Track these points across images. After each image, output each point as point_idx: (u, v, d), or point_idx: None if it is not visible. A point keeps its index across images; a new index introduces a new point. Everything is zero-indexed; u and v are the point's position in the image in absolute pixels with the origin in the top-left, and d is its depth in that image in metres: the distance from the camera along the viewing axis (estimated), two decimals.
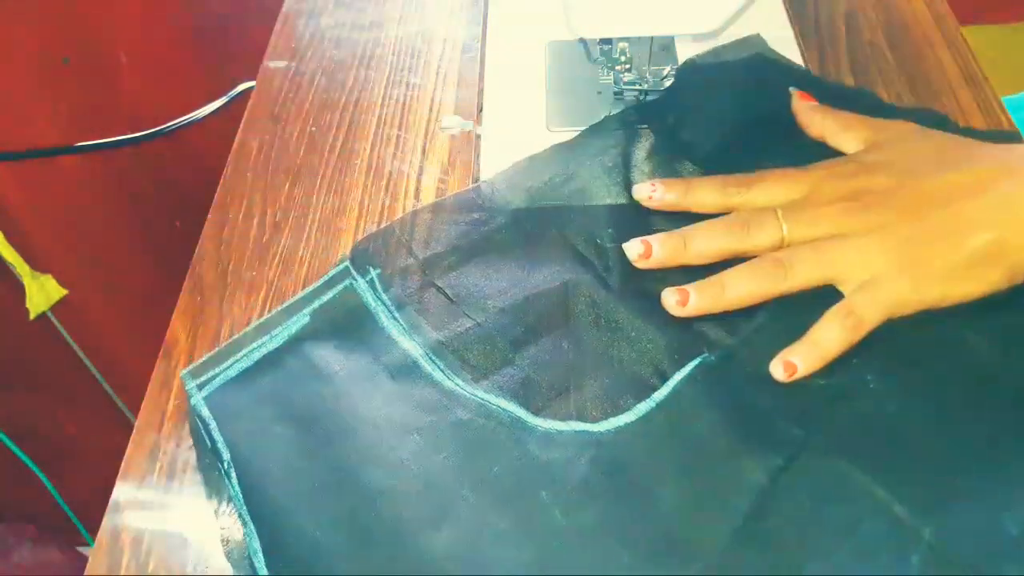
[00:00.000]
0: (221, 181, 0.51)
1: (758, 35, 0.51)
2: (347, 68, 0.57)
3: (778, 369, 0.36)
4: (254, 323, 0.41)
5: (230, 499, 0.36)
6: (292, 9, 0.62)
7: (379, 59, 0.57)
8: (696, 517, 0.33)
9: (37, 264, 0.74)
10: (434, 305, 0.41)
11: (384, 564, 0.33)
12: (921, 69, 0.52)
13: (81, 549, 0.94)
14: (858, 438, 0.34)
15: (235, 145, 0.53)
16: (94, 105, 0.76)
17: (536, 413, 0.37)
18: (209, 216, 0.49)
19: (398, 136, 0.52)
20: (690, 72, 0.50)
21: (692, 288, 0.39)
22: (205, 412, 0.38)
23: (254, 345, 0.40)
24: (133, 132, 0.71)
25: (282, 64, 0.57)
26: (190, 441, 0.39)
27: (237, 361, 0.40)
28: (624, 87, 0.51)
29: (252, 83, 0.57)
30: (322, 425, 0.37)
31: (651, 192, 0.42)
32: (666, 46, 0.53)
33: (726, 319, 0.38)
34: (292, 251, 0.47)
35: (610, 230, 0.43)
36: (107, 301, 0.84)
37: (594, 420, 0.36)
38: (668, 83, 0.50)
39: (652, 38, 0.49)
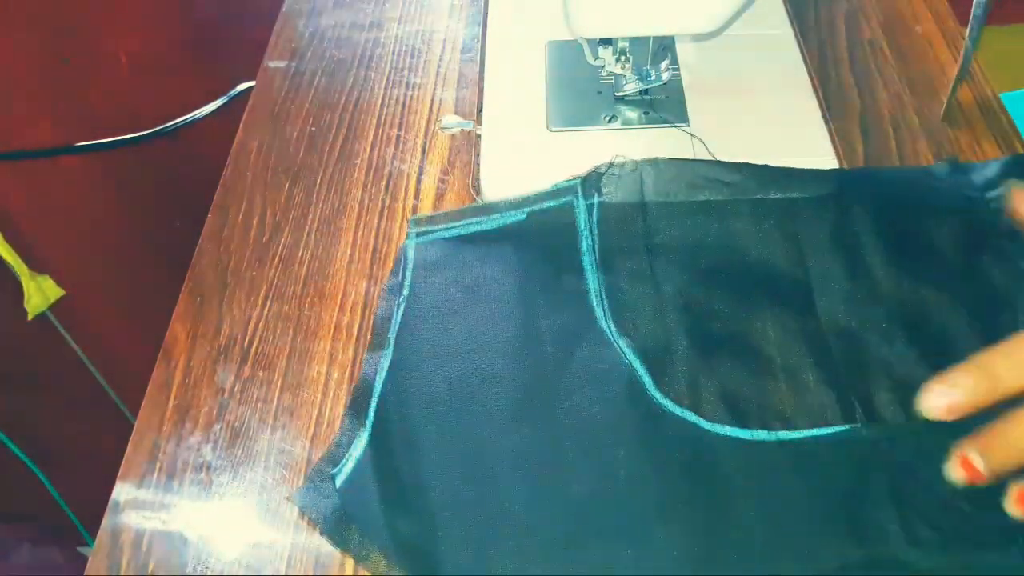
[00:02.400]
0: (221, 181, 0.51)
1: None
2: (347, 68, 0.57)
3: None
4: (480, 203, 0.46)
5: (389, 323, 0.42)
6: (292, 9, 0.62)
7: (379, 59, 0.57)
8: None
9: (37, 264, 0.74)
10: (633, 257, 0.42)
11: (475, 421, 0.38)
12: (921, 68, 0.53)
13: (81, 549, 0.94)
14: None
15: (235, 145, 0.53)
16: (94, 105, 0.76)
17: (657, 385, 0.38)
18: (209, 216, 0.49)
19: (398, 136, 0.52)
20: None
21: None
22: (410, 253, 0.44)
23: (473, 220, 0.45)
24: (133, 132, 0.71)
25: (282, 64, 0.57)
26: (189, 441, 0.39)
27: (454, 228, 0.44)
28: (625, 87, 0.51)
29: (252, 83, 0.57)
30: (490, 308, 0.41)
31: (948, 398, 0.34)
32: (666, 46, 0.53)
33: (910, 405, 0.36)
34: (292, 251, 0.47)
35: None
36: (107, 301, 0.84)
37: (709, 420, 0.37)
38: (667, 76, 0.50)
39: (652, 38, 0.49)
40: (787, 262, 0.42)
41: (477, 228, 0.44)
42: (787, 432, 0.37)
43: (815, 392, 0.38)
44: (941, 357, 0.37)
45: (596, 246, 0.43)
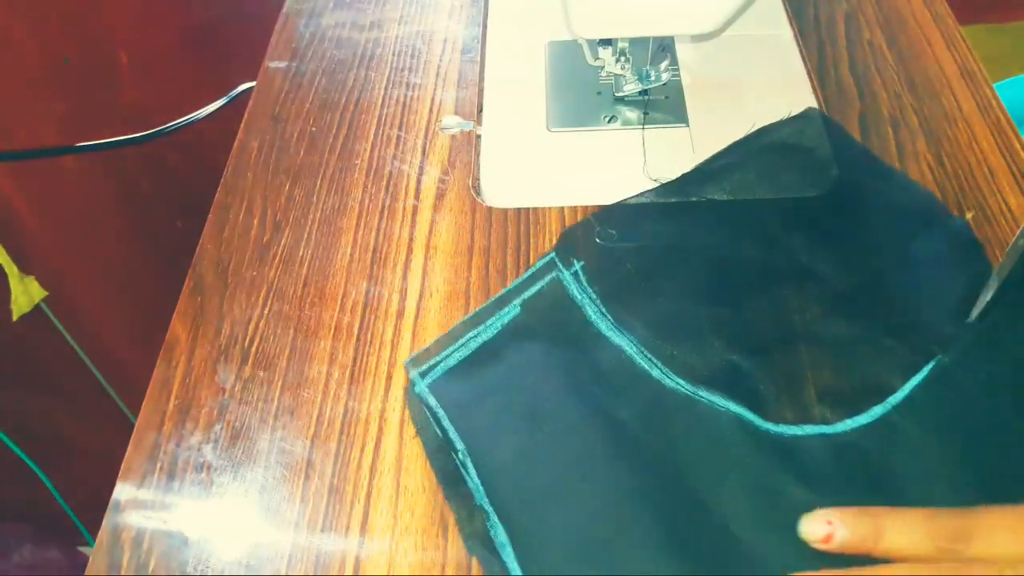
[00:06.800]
0: (221, 181, 0.51)
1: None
2: (347, 68, 0.57)
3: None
4: (465, 317, 0.43)
5: (464, 487, 0.37)
6: (292, 9, 0.62)
7: (379, 59, 0.57)
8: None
9: (37, 264, 0.74)
10: (639, 298, 0.42)
11: (636, 561, 0.34)
12: (920, 68, 0.53)
13: (81, 549, 0.94)
14: None
15: (235, 145, 0.53)
16: (94, 105, 0.76)
17: (766, 417, 0.37)
18: (210, 216, 0.49)
19: (398, 136, 0.52)
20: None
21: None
22: (432, 401, 0.40)
23: (470, 335, 0.42)
24: (133, 132, 0.71)
25: (282, 64, 0.57)
26: (189, 440, 0.39)
27: (456, 350, 0.41)
28: (625, 87, 0.51)
29: (252, 83, 0.57)
30: (549, 422, 0.38)
31: (827, 531, 0.33)
32: (666, 46, 0.53)
33: (956, 316, 0.39)
34: (292, 251, 0.47)
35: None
36: (107, 301, 0.84)
37: (828, 423, 0.37)
38: (667, 76, 0.50)
39: (652, 38, 0.49)
40: (778, 256, 0.43)
41: (478, 343, 0.42)
42: (894, 398, 0.37)
43: (891, 348, 0.39)
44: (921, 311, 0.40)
45: (602, 308, 0.42)
